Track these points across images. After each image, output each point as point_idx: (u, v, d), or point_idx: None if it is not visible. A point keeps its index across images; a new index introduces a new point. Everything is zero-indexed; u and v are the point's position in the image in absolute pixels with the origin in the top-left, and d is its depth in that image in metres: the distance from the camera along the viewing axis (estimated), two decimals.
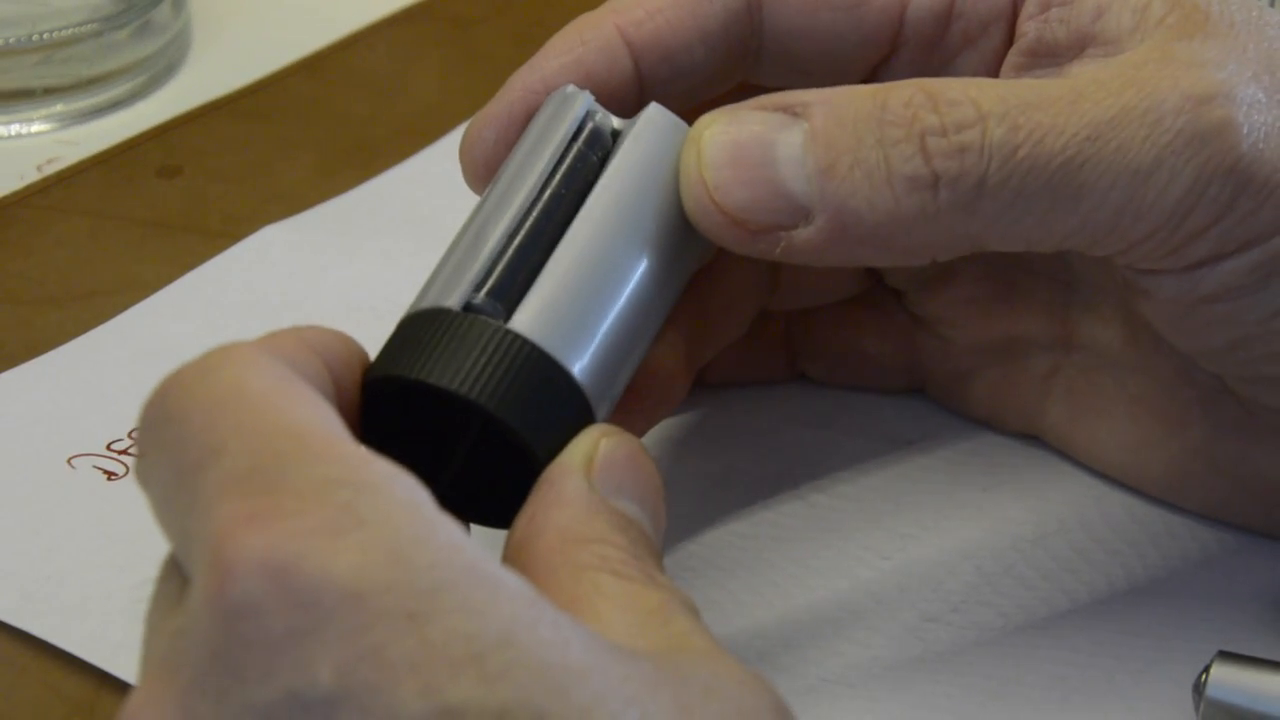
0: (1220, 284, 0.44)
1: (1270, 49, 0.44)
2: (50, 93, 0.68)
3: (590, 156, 0.44)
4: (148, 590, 0.48)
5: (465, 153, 0.47)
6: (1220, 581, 0.49)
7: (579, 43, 0.47)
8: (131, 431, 0.54)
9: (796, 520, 0.51)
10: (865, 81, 0.48)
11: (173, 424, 0.37)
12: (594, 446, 0.40)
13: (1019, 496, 0.51)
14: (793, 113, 0.43)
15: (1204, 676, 0.45)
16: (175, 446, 0.36)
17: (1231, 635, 0.47)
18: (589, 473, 0.40)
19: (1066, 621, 0.48)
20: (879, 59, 0.48)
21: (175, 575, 0.37)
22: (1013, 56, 0.47)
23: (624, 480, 0.40)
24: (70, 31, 0.68)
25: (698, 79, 0.48)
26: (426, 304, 0.41)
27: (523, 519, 0.39)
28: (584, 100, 0.44)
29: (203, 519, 0.35)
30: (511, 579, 0.35)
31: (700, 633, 0.37)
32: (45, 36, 0.67)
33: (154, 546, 0.50)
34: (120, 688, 0.46)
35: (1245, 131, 0.43)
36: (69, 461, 0.53)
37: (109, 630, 0.48)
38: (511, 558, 0.39)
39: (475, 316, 0.41)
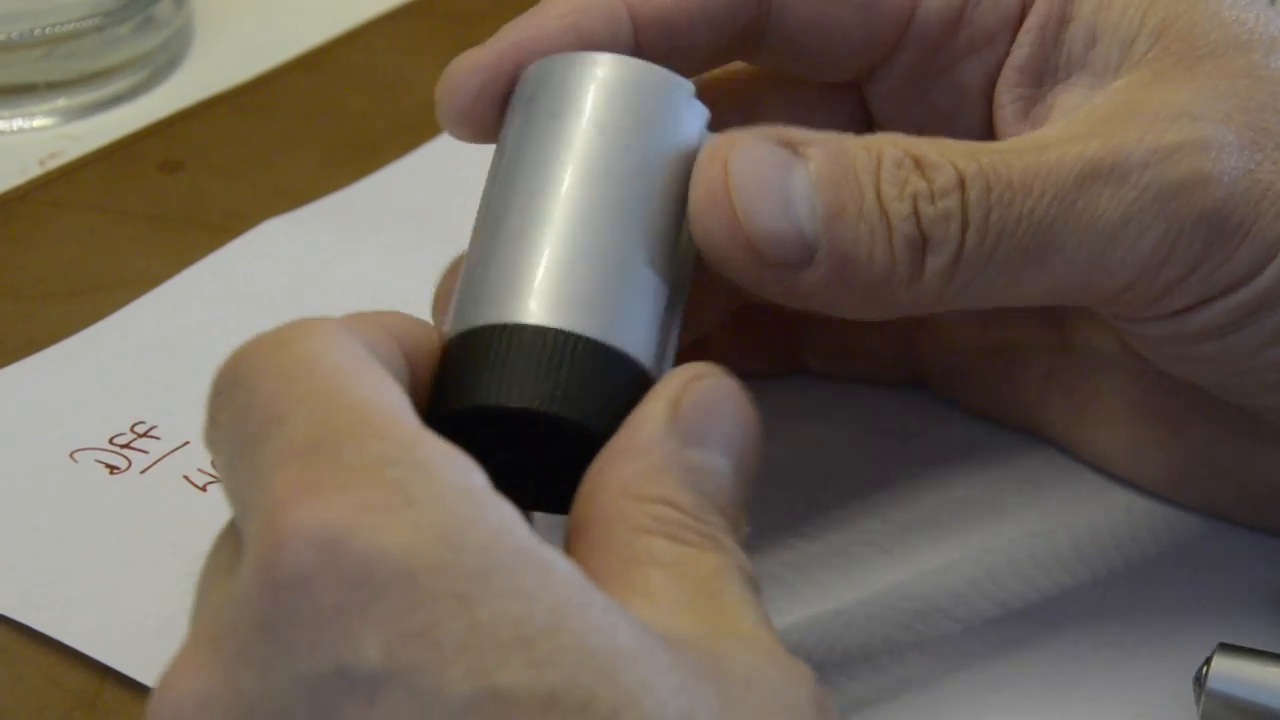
0: (1205, 326, 0.44)
1: (1252, 81, 0.44)
2: (53, 87, 0.68)
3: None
4: (149, 584, 0.49)
5: (445, 97, 0.45)
6: (1221, 574, 0.49)
7: (583, 6, 0.45)
8: (134, 426, 0.54)
9: (797, 513, 0.51)
10: (863, 76, 0.48)
11: (241, 391, 0.37)
12: (681, 390, 0.39)
13: (1020, 490, 0.51)
14: (794, 150, 0.43)
15: (1205, 669, 0.45)
16: (242, 414, 0.36)
17: (1232, 627, 0.47)
18: (673, 418, 0.39)
19: (1067, 615, 0.48)
20: (881, 58, 0.48)
21: (230, 541, 0.37)
22: (1007, 71, 0.47)
23: (710, 426, 0.39)
24: (73, 26, 0.68)
25: (695, 57, 0.47)
26: (480, 320, 0.41)
27: (593, 469, 0.39)
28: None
29: (260, 488, 0.35)
30: (562, 563, 0.35)
31: (749, 608, 0.37)
32: (48, 31, 0.67)
33: (156, 540, 0.50)
34: (123, 681, 0.46)
35: (1215, 178, 0.43)
36: (71, 456, 0.53)
37: (111, 624, 0.48)
38: (576, 510, 0.39)
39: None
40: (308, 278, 0.60)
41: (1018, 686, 0.46)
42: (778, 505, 0.51)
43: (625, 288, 0.41)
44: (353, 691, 0.33)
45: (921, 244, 0.42)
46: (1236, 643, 0.45)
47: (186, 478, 0.52)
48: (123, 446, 0.53)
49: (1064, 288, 0.43)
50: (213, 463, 0.39)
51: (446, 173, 0.65)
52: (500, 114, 0.45)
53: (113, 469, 0.53)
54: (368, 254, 0.61)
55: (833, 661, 0.47)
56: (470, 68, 0.45)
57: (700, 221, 0.42)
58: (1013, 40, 0.47)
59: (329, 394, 0.36)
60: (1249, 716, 0.45)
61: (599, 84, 0.43)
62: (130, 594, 0.48)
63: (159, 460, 0.53)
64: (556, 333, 0.40)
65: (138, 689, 0.46)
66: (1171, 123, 0.43)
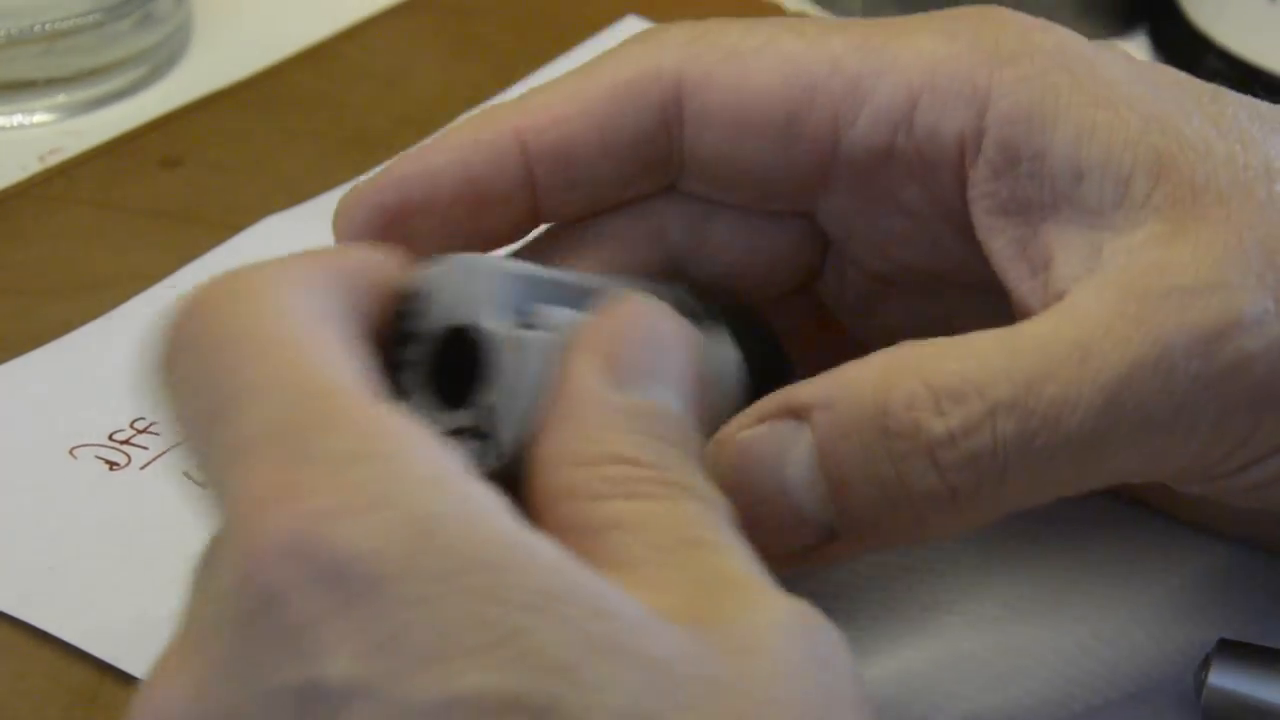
0: (1250, 482, 0.43)
1: (1268, 228, 0.42)
2: (52, 83, 0.68)
3: None
4: (149, 580, 0.49)
5: (337, 224, 0.45)
6: (1222, 570, 0.49)
7: (471, 142, 0.45)
8: (134, 422, 0.54)
9: None
10: (800, 207, 0.46)
11: (202, 353, 0.36)
12: (608, 332, 0.39)
13: None
14: (796, 417, 0.41)
15: (1205, 665, 0.45)
16: (204, 377, 0.36)
17: (1233, 623, 0.47)
18: (605, 365, 0.38)
19: (1068, 611, 0.48)
20: (812, 189, 0.46)
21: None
22: (983, 215, 0.44)
23: (647, 362, 0.38)
24: (72, 22, 0.68)
25: (603, 189, 0.46)
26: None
27: (541, 438, 0.38)
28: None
29: (231, 473, 0.35)
30: (543, 550, 0.34)
31: (735, 549, 0.36)
32: (47, 27, 0.67)
33: (156, 537, 0.50)
34: (122, 678, 0.46)
35: (1260, 356, 0.41)
36: (71, 452, 0.53)
37: (111, 621, 0.48)
38: (530, 490, 0.38)
39: None
40: None
41: (1019, 683, 0.46)
42: None
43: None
44: (323, 703, 0.33)
45: (950, 494, 0.40)
46: (1237, 638, 0.45)
47: (187, 474, 0.52)
48: (123, 443, 0.53)
49: (1116, 480, 0.42)
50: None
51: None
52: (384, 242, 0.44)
53: (112, 465, 0.53)
54: None
55: None
56: (357, 203, 0.45)
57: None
58: (958, 170, 0.44)
59: (292, 371, 0.35)
60: (1249, 712, 0.45)
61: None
62: (130, 590, 0.48)
63: (159, 456, 0.53)
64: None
65: (137, 685, 0.46)
66: (1209, 297, 0.41)
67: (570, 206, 0.46)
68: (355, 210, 0.45)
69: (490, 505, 0.34)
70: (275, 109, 0.68)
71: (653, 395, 0.38)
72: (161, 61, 0.70)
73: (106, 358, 0.56)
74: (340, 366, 0.36)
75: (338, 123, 0.68)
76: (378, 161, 0.65)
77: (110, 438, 0.53)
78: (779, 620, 0.35)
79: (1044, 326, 0.42)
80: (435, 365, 0.41)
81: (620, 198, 0.46)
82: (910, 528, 0.41)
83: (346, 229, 0.45)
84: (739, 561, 0.36)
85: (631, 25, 0.70)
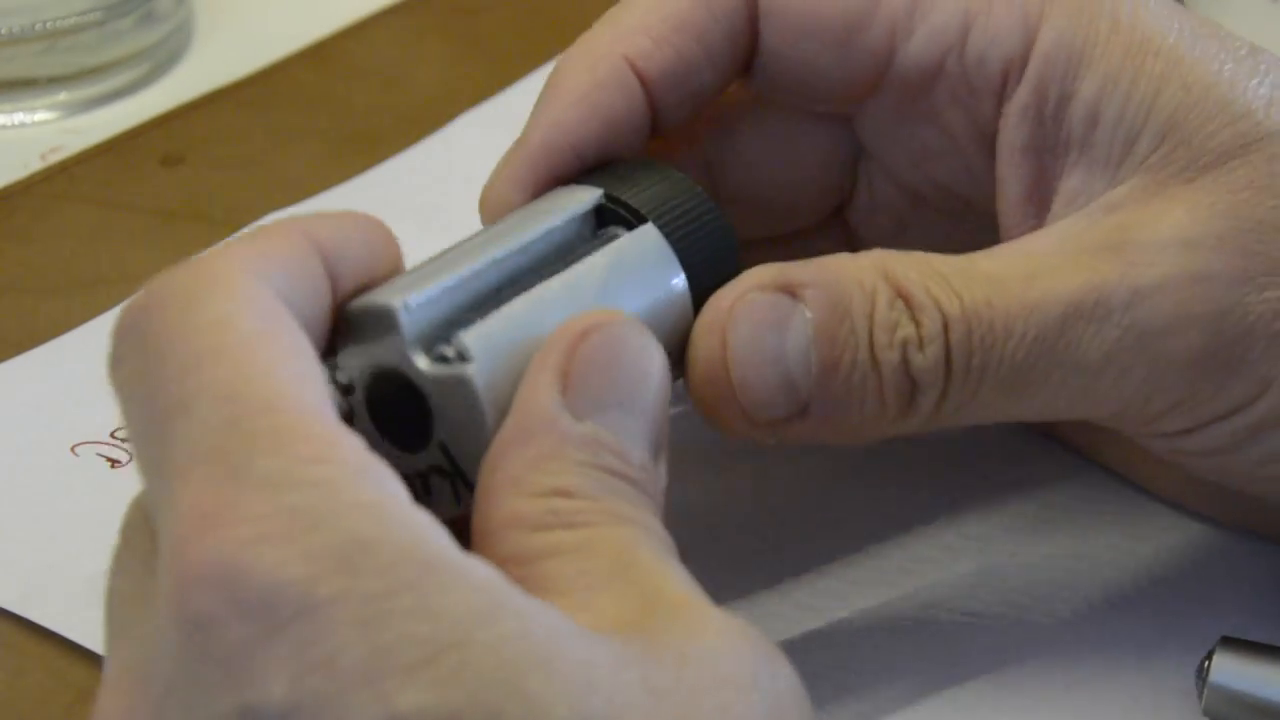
0: (1201, 446, 0.45)
1: (1253, 192, 0.43)
2: (53, 81, 0.68)
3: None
4: None
5: (487, 214, 0.46)
6: (1224, 567, 0.49)
7: (593, 85, 0.46)
8: None
9: (795, 510, 0.51)
10: (850, 107, 0.48)
11: (149, 355, 0.36)
12: (568, 354, 0.39)
13: (1021, 483, 0.51)
14: (791, 294, 0.43)
15: (1207, 663, 0.45)
16: (149, 383, 0.36)
17: (1235, 621, 0.47)
18: (563, 389, 0.38)
19: (1069, 608, 0.48)
20: (862, 96, 0.48)
21: (143, 528, 0.37)
22: (1007, 149, 0.46)
23: (604, 386, 0.39)
24: (73, 20, 0.68)
25: (704, 97, 0.48)
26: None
27: (487, 463, 0.38)
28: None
29: (167, 492, 0.35)
30: (477, 570, 0.34)
31: (669, 572, 0.37)
32: (48, 25, 0.67)
33: None
34: None
35: (1201, 318, 0.43)
36: (73, 449, 0.53)
37: None
38: (476, 513, 0.38)
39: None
40: None
41: (1019, 681, 0.46)
42: (775, 503, 0.51)
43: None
44: None
45: (911, 389, 0.43)
46: (1239, 636, 0.45)
47: None
48: (124, 440, 0.53)
49: (1050, 413, 0.44)
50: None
51: (449, 166, 0.65)
52: None
53: (114, 463, 0.53)
54: None
55: (832, 656, 0.47)
56: (507, 184, 0.46)
57: (697, 392, 0.43)
58: (999, 98, 0.46)
59: (237, 380, 0.35)
60: (1251, 710, 0.45)
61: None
62: None
63: None
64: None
65: None
66: (1160, 253, 0.43)
67: (682, 111, 0.47)
68: (512, 193, 0.45)
69: (424, 529, 0.34)
70: (276, 107, 0.68)
71: (609, 422, 0.38)
72: (162, 60, 0.70)
73: (108, 356, 0.56)
74: (293, 373, 0.36)
75: (338, 121, 0.68)
76: (379, 159, 0.65)
77: (112, 435, 0.53)
78: (719, 631, 0.35)
79: (1000, 258, 0.44)
80: (380, 406, 0.41)
81: (719, 92, 0.48)
82: (862, 422, 0.43)
83: (505, 210, 0.45)
84: (677, 583, 0.37)
85: None
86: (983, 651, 0.47)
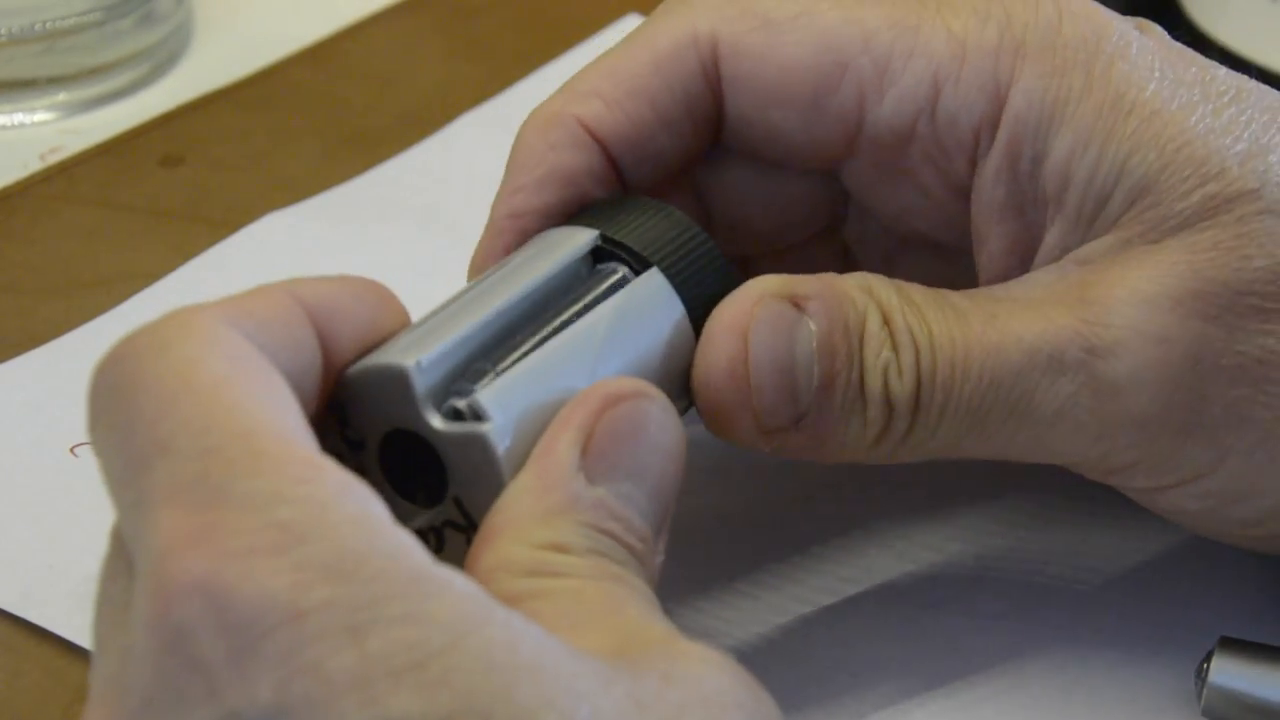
0: (1174, 507, 0.45)
1: (1216, 254, 0.43)
2: (53, 82, 0.68)
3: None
4: None
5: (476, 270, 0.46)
6: (1222, 568, 0.49)
7: (546, 146, 0.46)
8: None
9: (795, 510, 0.51)
10: (825, 169, 0.48)
11: (123, 404, 0.36)
12: (594, 417, 0.39)
13: (1021, 482, 0.51)
14: (796, 305, 0.43)
15: (1206, 663, 0.45)
16: (124, 430, 0.36)
17: (1234, 622, 0.47)
18: (583, 452, 0.39)
19: (1068, 608, 0.48)
20: (839, 156, 0.47)
21: (122, 557, 0.37)
22: (985, 207, 0.46)
23: (623, 456, 0.39)
24: (73, 21, 0.68)
25: (668, 160, 0.47)
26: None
27: (500, 502, 0.39)
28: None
29: (147, 523, 0.35)
30: (461, 582, 0.34)
31: (654, 618, 0.37)
32: (48, 26, 0.67)
33: None
34: None
35: (1153, 382, 0.43)
36: (72, 450, 0.53)
37: None
38: (474, 546, 0.39)
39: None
40: (308, 271, 0.60)
41: (1018, 681, 0.46)
42: (775, 503, 0.51)
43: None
44: None
45: (888, 413, 0.43)
46: (1238, 637, 0.45)
47: None
48: None
49: (1015, 456, 0.44)
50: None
51: (447, 167, 0.65)
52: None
53: None
54: (369, 248, 0.61)
55: (832, 656, 0.47)
56: (487, 259, 0.46)
57: (712, 398, 0.43)
58: (972, 158, 0.46)
59: (211, 416, 0.35)
60: (1250, 710, 0.45)
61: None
62: None
63: None
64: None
65: None
66: (1119, 312, 0.43)
67: (647, 170, 0.47)
68: (489, 267, 0.45)
69: (409, 544, 0.35)
70: (275, 108, 0.68)
71: (621, 492, 0.39)
72: (162, 60, 0.70)
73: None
74: (266, 405, 0.36)
75: (338, 121, 0.68)
76: (378, 159, 0.65)
77: None
78: (702, 660, 0.36)
79: (971, 296, 0.44)
80: (392, 461, 0.41)
81: (689, 156, 0.47)
82: (845, 443, 0.43)
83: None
84: (660, 624, 0.37)
85: (632, 24, 0.70)
86: (982, 651, 0.47)
